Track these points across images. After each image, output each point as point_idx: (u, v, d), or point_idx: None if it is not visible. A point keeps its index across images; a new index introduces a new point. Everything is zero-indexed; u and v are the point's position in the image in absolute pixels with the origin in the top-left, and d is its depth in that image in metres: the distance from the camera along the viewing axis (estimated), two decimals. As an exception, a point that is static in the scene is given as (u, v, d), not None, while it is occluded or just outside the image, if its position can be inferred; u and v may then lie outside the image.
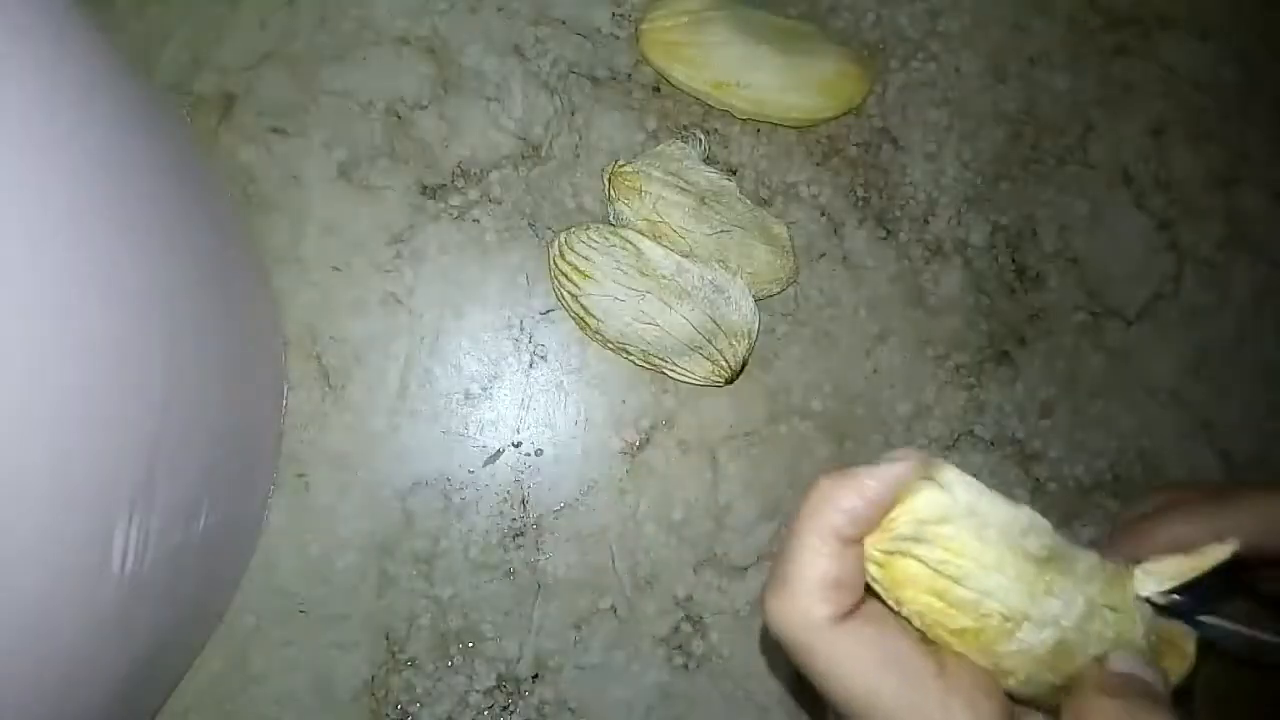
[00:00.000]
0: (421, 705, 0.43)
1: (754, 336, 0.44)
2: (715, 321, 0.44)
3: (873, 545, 0.20)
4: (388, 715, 0.43)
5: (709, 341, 0.44)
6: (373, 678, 0.43)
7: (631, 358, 0.45)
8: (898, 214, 0.48)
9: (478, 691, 0.43)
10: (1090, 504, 0.47)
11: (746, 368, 0.44)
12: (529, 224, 0.46)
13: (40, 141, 0.26)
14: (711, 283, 0.44)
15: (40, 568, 0.26)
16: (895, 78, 0.49)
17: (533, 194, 0.46)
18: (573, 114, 0.47)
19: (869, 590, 0.21)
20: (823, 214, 0.47)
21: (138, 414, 0.29)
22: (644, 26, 0.46)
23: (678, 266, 0.44)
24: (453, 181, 0.46)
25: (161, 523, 0.30)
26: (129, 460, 0.29)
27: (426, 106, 0.46)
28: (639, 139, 0.47)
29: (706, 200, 0.45)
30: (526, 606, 0.44)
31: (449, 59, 0.46)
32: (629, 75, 0.47)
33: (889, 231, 0.48)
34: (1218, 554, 0.22)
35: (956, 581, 0.20)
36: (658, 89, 0.47)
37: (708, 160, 0.46)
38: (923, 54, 0.49)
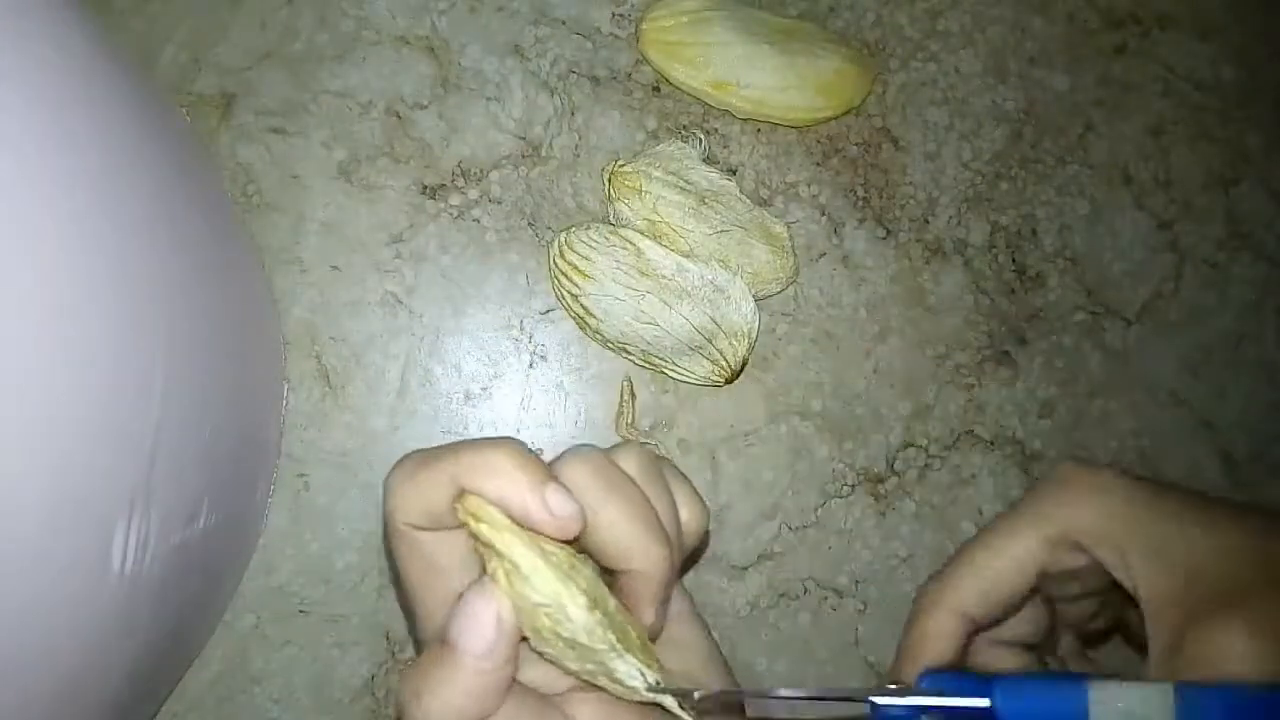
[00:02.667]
0: (421, 705, 0.43)
1: (754, 336, 0.44)
2: (715, 321, 0.44)
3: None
4: (388, 715, 0.43)
5: (709, 341, 0.44)
6: (373, 678, 0.43)
7: (631, 358, 0.45)
8: (898, 214, 0.48)
9: (478, 691, 0.43)
10: (1090, 504, 0.47)
11: (746, 368, 0.45)
12: (529, 224, 0.46)
13: (39, 141, 0.26)
14: (711, 283, 0.44)
15: (40, 568, 0.26)
16: (895, 78, 0.49)
17: (533, 194, 0.46)
18: (573, 114, 0.47)
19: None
20: (823, 214, 0.47)
21: (137, 414, 0.29)
22: (644, 26, 0.46)
23: (678, 266, 0.44)
24: (453, 181, 0.46)
25: (161, 523, 0.30)
26: (129, 460, 0.29)
27: (426, 106, 0.46)
28: (639, 139, 0.47)
29: (706, 200, 0.45)
30: (526, 606, 0.44)
31: (449, 59, 0.46)
32: (629, 75, 0.47)
33: (889, 231, 0.48)
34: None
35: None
36: (658, 89, 0.47)
37: (708, 160, 0.46)
38: (923, 54, 0.49)
